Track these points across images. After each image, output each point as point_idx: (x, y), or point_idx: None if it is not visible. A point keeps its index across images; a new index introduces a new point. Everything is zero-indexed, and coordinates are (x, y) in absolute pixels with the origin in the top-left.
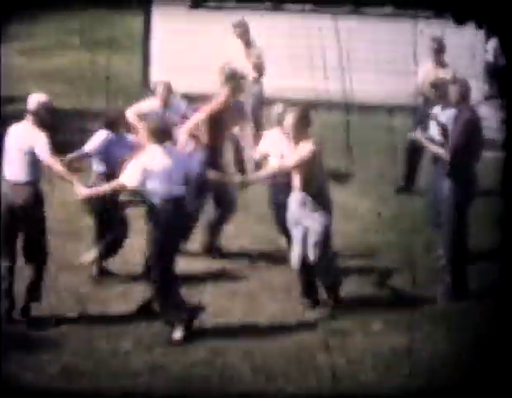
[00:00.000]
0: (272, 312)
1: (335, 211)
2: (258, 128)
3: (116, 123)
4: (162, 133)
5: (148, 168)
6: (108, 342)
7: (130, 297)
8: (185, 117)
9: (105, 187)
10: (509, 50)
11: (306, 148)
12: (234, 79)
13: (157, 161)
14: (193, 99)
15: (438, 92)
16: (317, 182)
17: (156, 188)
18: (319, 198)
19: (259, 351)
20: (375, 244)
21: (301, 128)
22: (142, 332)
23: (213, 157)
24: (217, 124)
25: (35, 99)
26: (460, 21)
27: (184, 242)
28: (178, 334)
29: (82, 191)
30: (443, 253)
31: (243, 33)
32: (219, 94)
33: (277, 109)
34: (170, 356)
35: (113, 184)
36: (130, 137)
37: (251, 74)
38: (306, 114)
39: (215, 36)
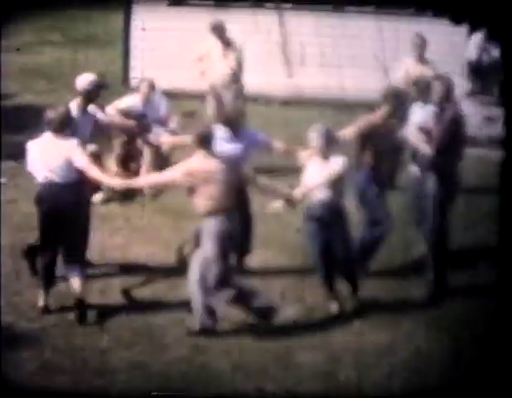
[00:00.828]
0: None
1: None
2: (238, 126)
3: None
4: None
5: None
6: (87, 339)
7: (109, 293)
8: (165, 115)
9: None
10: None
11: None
12: (395, 98)
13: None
14: (173, 96)
15: (420, 89)
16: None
17: None
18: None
19: (238, 349)
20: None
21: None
22: (121, 330)
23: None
24: (373, 141)
25: (85, 79)
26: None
27: None
28: None
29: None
30: (425, 250)
31: (221, 33)
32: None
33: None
34: (149, 353)
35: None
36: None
37: (230, 72)
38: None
39: (195, 33)
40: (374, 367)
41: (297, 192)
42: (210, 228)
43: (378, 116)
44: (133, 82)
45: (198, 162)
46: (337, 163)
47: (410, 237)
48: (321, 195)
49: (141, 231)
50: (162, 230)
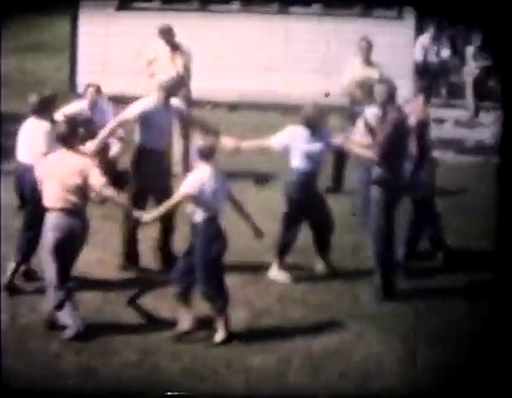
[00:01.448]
0: (202, 311)
1: (264, 212)
2: (186, 131)
3: None
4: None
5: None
6: (38, 344)
7: None
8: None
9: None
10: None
11: None
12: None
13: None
14: (121, 101)
15: (364, 91)
16: None
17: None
18: None
19: (189, 353)
20: (304, 244)
21: None
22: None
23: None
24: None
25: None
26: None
27: None
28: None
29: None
30: (372, 254)
31: (169, 38)
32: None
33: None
34: (99, 358)
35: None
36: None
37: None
38: None
39: (142, 38)
40: (323, 370)
41: None
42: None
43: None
44: (80, 88)
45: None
46: None
47: (357, 240)
48: None
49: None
50: (110, 236)
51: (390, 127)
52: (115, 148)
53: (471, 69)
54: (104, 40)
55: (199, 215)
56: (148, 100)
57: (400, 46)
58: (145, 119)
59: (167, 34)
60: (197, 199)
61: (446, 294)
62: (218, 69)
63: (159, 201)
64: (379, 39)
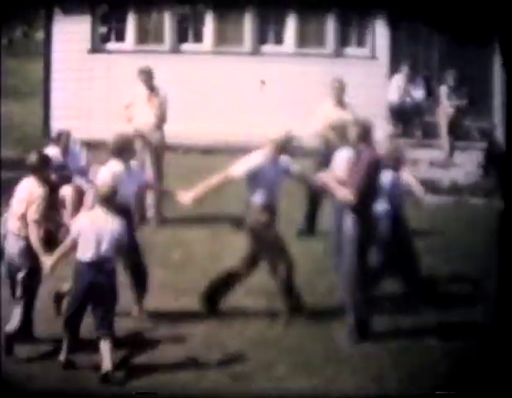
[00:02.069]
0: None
1: (235, 255)
2: (159, 176)
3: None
4: None
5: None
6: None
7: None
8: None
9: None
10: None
11: None
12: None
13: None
14: (93, 146)
15: (338, 133)
16: None
17: None
18: None
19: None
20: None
21: None
22: None
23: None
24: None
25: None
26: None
27: None
28: None
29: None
30: (344, 294)
31: (148, 79)
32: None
33: None
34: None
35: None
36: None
37: (153, 120)
38: None
39: (115, 81)
40: None
41: None
42: None
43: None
44: (53, 133)
45: None
46: None
47: (333, 282)
48: None
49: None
50: None
51: (365, 167)
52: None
53: (446, 108)
54: (78, 84)
55: None
56: (258, 156)
57: (374, 86)
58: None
59: (147, 75)
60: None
61: (420, 335)
62: (190, 111)
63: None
64: (353, 79)
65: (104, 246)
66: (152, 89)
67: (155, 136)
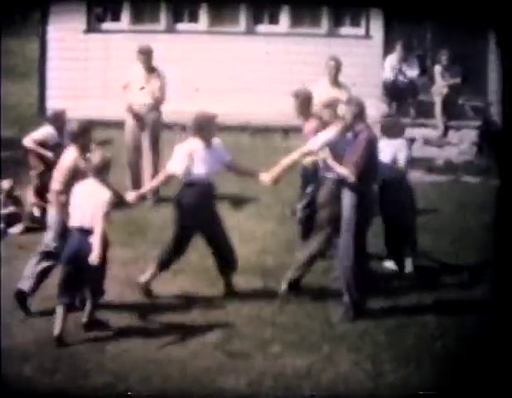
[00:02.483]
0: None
1: (232, 234)
2: (156, 155)
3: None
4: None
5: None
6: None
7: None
8: None
9: (153, 183)
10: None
11: None
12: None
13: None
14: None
15: (333, 112)
16: None
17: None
18: None
19: (159, 375)
20: (272, 266)
21: None
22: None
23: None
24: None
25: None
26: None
27: None
28: None
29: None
30: (340, 274)
31: (147, 59)
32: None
33: None
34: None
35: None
36: None
37: (151, 100)
38: None
39: (111, 60)
40: (294, 391)
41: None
42: None
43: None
44: (48, 113)
45: None
46: None
47: (329, 262)
48: None
49: None
50: None
51: (363, 146)
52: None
53: (440, 87)
54: (74, 63)
55: None
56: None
57: (369, 66)
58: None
59: (146, 54)
60: None
61: (416, 312)
62: (185, 91)
63: None
64: (348, 59)
65: (88, 215)
66: (150, 69)
67: (151, 116)
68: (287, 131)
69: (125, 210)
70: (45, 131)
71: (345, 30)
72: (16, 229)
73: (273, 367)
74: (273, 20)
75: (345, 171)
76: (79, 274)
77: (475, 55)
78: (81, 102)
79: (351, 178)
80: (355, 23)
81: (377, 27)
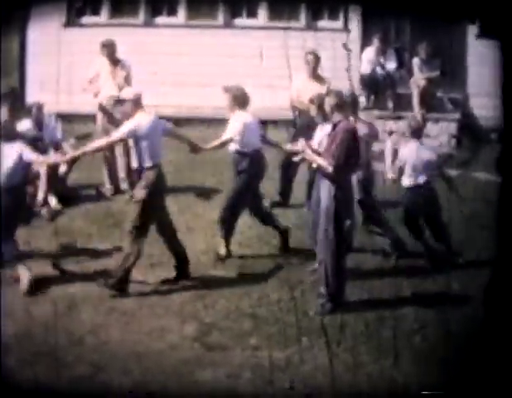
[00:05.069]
0: (152, 327)
1: (207, 229)
2: (127, 149)
3: None
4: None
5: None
6: None
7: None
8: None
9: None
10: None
11: None
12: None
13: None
14: (68, 119)
15: (316, 106)
16: None
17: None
18: None
19: (139, 368)
20: (251, 259)
21: None
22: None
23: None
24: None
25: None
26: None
27: None
28: None
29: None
30: (318, 266)
31: (111, 52)
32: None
33: None
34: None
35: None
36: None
37: (116, 93)
38: None
39: (90, 54)
40: (273, 383)
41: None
42: None
43: None
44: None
45: None
46: None
47: (305, 253)
48: None
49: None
50: None
51: (340, 137)
52: (63, 167)
53: (418, 80)
54: (53, 58)
55: None
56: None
57: (346, 59)
58: None
59: (109, 48)
60: None
61: (395, 305)
62: (163, 84)
63: None
64: (325, 51)
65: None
66: (115, 61)
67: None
68: (264, 124)
69: (103, 202)
70: (24, 124)
71: (324, 23)
72: None
73: (252, 360)
74: (251, 13)
75: (323, 162)
76: None
77: (454, 48)
78: (62, 97)
79: (329, 169)
80: (334, 16)
81: (355, 20)
